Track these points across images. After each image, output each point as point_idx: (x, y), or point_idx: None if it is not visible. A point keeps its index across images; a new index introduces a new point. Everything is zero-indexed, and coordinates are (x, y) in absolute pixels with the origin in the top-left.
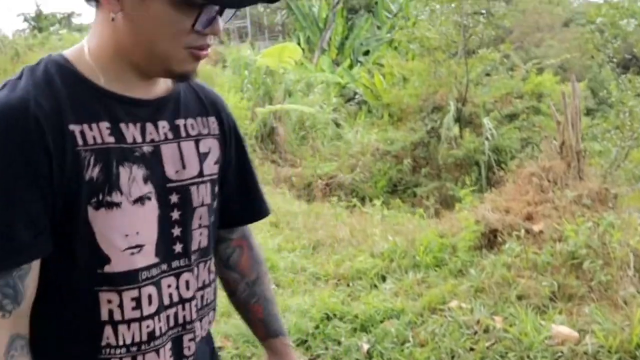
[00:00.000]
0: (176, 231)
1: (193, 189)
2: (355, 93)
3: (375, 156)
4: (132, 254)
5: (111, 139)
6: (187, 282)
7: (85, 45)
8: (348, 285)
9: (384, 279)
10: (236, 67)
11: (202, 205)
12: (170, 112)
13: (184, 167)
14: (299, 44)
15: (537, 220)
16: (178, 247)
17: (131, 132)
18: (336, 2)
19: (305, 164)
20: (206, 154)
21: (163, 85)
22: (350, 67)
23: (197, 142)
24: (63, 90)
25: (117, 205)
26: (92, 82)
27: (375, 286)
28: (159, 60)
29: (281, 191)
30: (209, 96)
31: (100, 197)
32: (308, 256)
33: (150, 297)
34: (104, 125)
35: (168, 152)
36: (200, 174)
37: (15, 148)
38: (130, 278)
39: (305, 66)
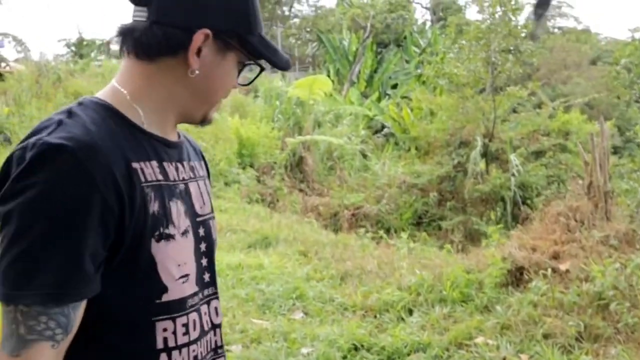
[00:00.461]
0: (204, 261)
1: (211, 223)
2: (383, 126)
3: (401, 188)
4: (183, 282)
5: (161, 177)
6: (216, 309)
7: (120, 88)
8: (375, 316)
9: (410, 312)
10: (268, 97)
11: (215, 238)
12: (186, 154)
13: (203, 203)
14: (328, 75)
15: (564, 260)
16: (207, 276)
17: (171, 170)
18: (366, 36)
19: (333, 194)
20: (208, 193)
21: (176, 131)
22: (379, 100)
23: (204, 182)
24: (118, 130)
25: (172, 237)
26: (137, 125)
27: (402, 319)
28: (207, 109)
29: (308, 220)
30: (195, 143)
31: (161, 229)
32: (336, 286)
33: (194, 322)
34: (154, 164)
35: (194, 189)
36: (212, 210)
37: (88, 183)
38: (182, 305)
39: (334, 98)
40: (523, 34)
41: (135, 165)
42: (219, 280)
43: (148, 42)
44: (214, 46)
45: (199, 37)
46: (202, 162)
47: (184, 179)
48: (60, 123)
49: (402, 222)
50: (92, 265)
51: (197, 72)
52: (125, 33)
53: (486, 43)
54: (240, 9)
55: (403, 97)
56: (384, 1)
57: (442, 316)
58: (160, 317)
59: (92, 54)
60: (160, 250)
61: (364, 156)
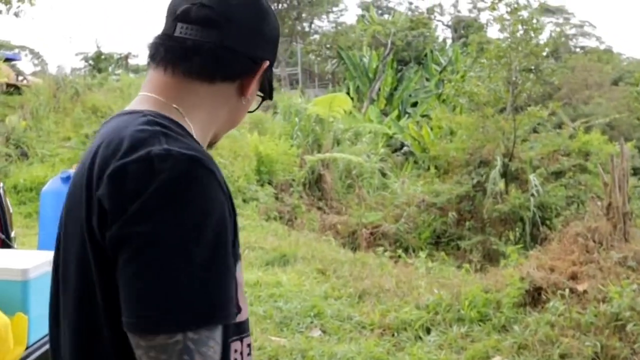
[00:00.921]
0: None
1: None
2: (403, 144)
3: (420, 207)
4: (246, 302)
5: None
6: None
7: (172, 104)
8: (393, 335)
9: (428, 331)
10: (287, 114)
11: None
12: None
13: None
14: (348, 93)
15: (582, 280)
16: None
17: None
18: (386, 54)
19: (351, 212)
20: None
21: None
22: (398, 118)
23: None
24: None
25: (240, 257)
26: (198, 142)
27: (420, 338)
28: (225, 133)
29: (326, 238)
30: None
31: (239, 250)
32: (354, 305)
33: (250, 343)
34: None
35: None
36: None
37: (223, 196)
38: (247, 325)
39: (354, 115)
40: (544, 53)
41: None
42: None
43: (215, 65)
44: (260, 76)
45: (262, 66)
46: None
47: None
48: (166, 135)
49: (420, 242)
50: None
51: (249, 98)
52: (185, 51)
53: (507, 62)
54: (276, 43)
55: (423, 116)
56: (405, 18)
57: (459, 335)
58: (234, 338)
59: (110, 68)
60: (238, 272)
61: (383, 174)
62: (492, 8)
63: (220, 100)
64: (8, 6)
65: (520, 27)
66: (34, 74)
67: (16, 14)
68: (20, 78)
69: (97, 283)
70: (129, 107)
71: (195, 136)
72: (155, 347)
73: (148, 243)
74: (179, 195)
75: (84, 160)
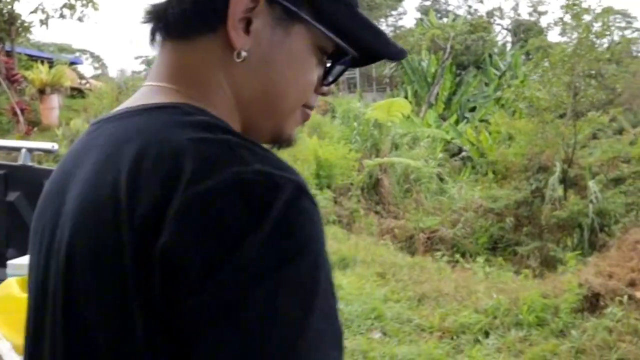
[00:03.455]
0: None
1: None
2: (461, 149)
3: (477, 212)
4: None
5: None
6: None
7: (180, 90)
8: (452, 338)
9: (487, 334)
10: (345, 118)
11: None
12: None
13: None
14: (406, 97)
15: None
16: None
17: None
18: (445, 58)
19: (409, 216)
20: None
21: None
22: (457, 122)
23: None
24: None
25: None
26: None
27: (479, 341)
28: (277, 119)
29: (384, 242)
30: None
31: None
32: (413, 308)
33: None
34: None
35: None
36: None
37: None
38: None
39: (412, 120)
40: (608, 57)
41: None
42: None
43: (176, 14)
44: (271, 15)
45: None
46: None
47: None
48: (244, 147)
49: (477, 247)
50: None
51: (244, 54)
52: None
53: (570, 67)
54: None
55: (481, 121)
56: (464, 22)
57: (518, 339)
58: None
59: None
60: None
61: (441, 179)
62: (570, 6)
63: (234, 66)
64: (72, 11)
65: (585, 31)
66: (94, 77)
67: (80, 19)
68: (82, 81)
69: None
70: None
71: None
72: None
73: (263, 314)
74: (300, 239)
75: (93, 173)
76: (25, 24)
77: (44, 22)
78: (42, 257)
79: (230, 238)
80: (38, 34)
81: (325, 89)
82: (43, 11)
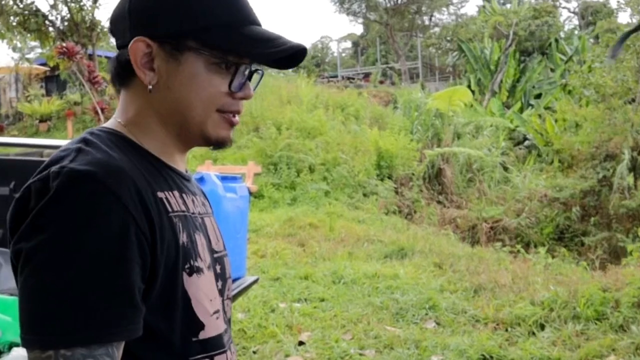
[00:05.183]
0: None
1: (226, 260)
2: (525, 137)
3: (542, 202)
4: (217, 318)
5: (184, 207)
6: (235, 351)
7: (118, 119)
8: (506, 330)
9: (542, 327)
10: (406, 109)
11: (230, 277)
12: (196, 189)
13: (217, 239)
14: (469, 85)
15: None
16: (226, 316)
17: (190, 202)
18: (508, 44)
19: (471, 206)
20: (220, 231)
21: (184, 163)
22: (521, 110)
23: (213, 220)
24: (136, 159)
25: (202, 270)
26: (153, 154)
27: (534, 333)
28: (195, 126)
29: (445, 232)
30: (196, 182)
31: (191, 262)
32: (469, 298)
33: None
34: (176, 194)
35: (209, 224)
36: (224, 247)
37: (121, 209)
38: (219, 342)
39: (474, 109)
40: None
41: (160, 194)
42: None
43: (112, 75)
44: (164, 52)
45: (134, 48)
46: (207, 201)
47: (200, 213)
48: (79, 150)
49: (542, 237)
50: (138, 299)
51: (150, 87)
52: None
53: (636, 50)
54: (191, 4)
55: (546, 108)
56: (528, 7)
57: (574, 333)
58: (199, 357)
59: None
60: (193, 285)
61: (505, 168)
62: None
63: (140, 100)
64: None
65: None
66: None
67: None
68: None
69: None
70: None
71: (143, 144)
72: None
73: (26, 259)
74: (61, 211)
75: None
76: (105, 30)
77: None
78: None
79: (28, 212)
80: None
81: (240, 93)
82: None
